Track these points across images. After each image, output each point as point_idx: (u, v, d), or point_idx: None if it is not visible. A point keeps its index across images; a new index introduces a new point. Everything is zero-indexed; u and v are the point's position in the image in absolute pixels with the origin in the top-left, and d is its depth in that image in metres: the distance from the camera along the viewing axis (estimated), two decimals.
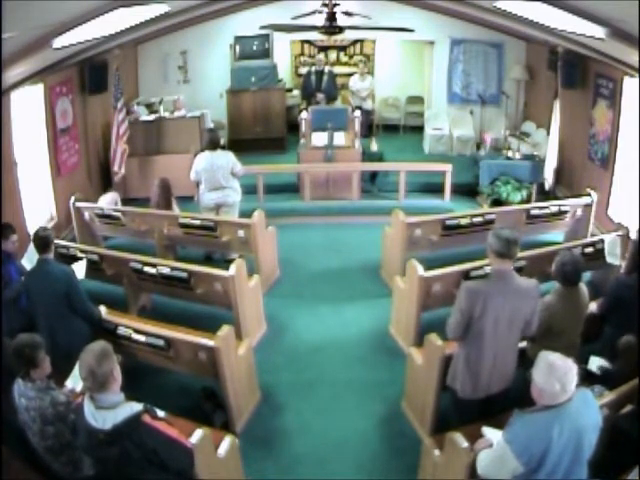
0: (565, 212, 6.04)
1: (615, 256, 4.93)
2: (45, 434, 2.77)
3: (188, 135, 7.98)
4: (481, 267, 4.48)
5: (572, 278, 3.37)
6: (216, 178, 5.83)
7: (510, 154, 7.70)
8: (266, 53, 9.15)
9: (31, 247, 4.04)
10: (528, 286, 3.08)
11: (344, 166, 7.72)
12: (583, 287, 3.47)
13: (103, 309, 4.09)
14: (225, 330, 3.78)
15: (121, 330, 3.96)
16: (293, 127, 9.58)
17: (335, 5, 6.60)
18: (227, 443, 3.20)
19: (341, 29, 6.73)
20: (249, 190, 7.07)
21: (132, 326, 3.97)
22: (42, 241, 3.78)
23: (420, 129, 10.22)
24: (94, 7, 4.17)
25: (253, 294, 4.93)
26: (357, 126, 8.41)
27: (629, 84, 5.93)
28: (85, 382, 2.37)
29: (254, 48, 9.12)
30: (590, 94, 6.82)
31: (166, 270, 4.72)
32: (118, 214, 6.12)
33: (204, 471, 2.87)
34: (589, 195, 6.04)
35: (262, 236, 5.60)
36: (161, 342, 3.85)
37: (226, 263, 4.95)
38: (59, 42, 4.70)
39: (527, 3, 4.79)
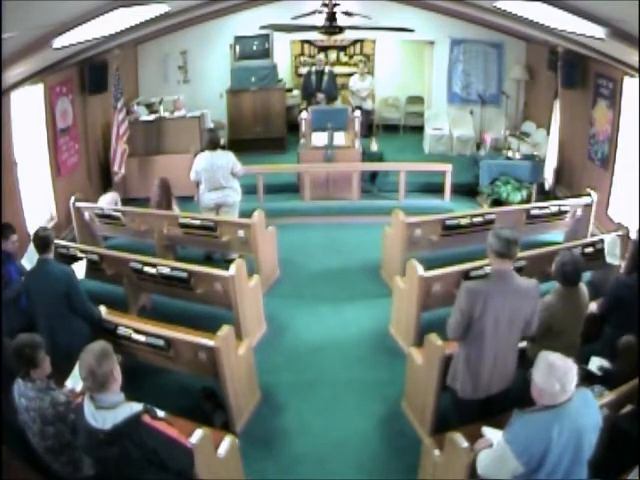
0: (565, 212, 6.04)
1: (615, 256, 4.93)
2: (45, 434, 2.77)
3: (188, 135, 7.98)
4: (481, 267, 4.48)
5: (572, 278, 3.37)
6: (216, 178, 5.83)
7: (510, 154, 7.70)
8: (266, 53, 9.15)
9: (31, 247, 4.04)
10: (528, 286, 3.08)
11: (344, 166, 7.72)
12: (583, 287, 3.47)
13: (103, 309, 4.09)
14: (225, 330, 3.78)
15: (121, 330, 3.96)
16: (293, 127, 9.58)
17: (335, 5, 6.60)
18: (227, 443, 3.20)
19: (341, 29, 6.73)
20: (249, 190, 7.07)
21: (132, 326, 3.97)
22: (42, 241, 3.78)
23: (420, 129, 10.22)
24: (94, 7, 4.17)
25: (253, 294, 4.93)
26: (357, 126, 8.41)
27: (629, 84, 5.93)
28: (85, 382, 2.38)
29: (254, 48, 9.12)
30: (590, 94, 6.82)
31: (166, 270, 4.72)
32: (118, 214, 6.12)
33: (204, 471, 2.87)
34: (589, 195, 6.04)
35: (262, 236, 5.60)
36: (161, 342, 3.85)
37: (226, 263, 4.95)
38: (59, 42, 4.70)
39: (527, 3, 4.79)
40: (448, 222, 5.57)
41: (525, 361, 3.28)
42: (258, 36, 8.92)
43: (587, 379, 3.32)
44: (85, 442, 2.44)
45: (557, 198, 6.99)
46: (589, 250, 5.02)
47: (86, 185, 7.34)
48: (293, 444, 3.89)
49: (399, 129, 10.83)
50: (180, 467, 2.51)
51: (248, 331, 4.74)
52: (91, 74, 7.13)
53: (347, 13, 7.33)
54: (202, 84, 9.60)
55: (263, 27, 7.85)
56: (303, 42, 10.89)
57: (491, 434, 2.79)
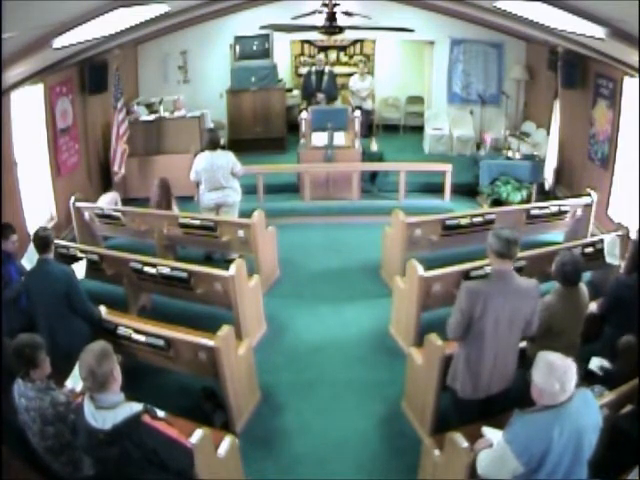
0: (565, 212, 6.04)
1: (614, 256, 4.93)
2: (45, 434, 2.77)
3: (188, 135, 7.98)
4: (481, 267, 4.48)
5: (572, 278, 3.37)
6: (216, 178, 5.83)
7: (510, 154, 7.70)
8: (266, 53, 9.15)
9: (31, 247, 4.04)
10: (528, 286, 3.08)
11: (344, 166, 7.72)
12: (583, 287, 3.47)
13: (103, 309, 4.09)
14: (225, 330, 3.78)
15: (121, 330, 3.96)
16: (293, 127, 9.58)
17: (335, 5, 6.60)
18: (227, 443, 3.20)
19: (341, 29, 6.73)
20: (249, 190, 7.07)
21: (132, 326, 3.97)
22: (42, 241, 3.78)
23: (420, 129, 10.22)
24: (94, 7, 4.17)
25: (253, 294, 4.93)
26: (357, 126, 8.41)
27: (629, 84, 5.93)
28: (85, 382, 2.38)
29: (254, 48, 9.12)
30: (590, 94, 6.82)
31: (166, 270, 4.72)
32: (118, 214, 6.12)
33: (204, 471, 2.87)
34: (589, 195, 6.04)
35: (262, 236, 5.60)
36: (161, 342, 3.85)
37: (226, 263, 4.95)
38: (59, 42, 4.70)
39: (527, 3, 4.79)
40: (448, 222, 5.57)
41: (525, 361, 3.27)
42: (258, 36, 8.92)
43: (587, 379, 3.32)
44: (85, 442, 2.44)
45: (557, 198, 7.00)
46: (589, 250, 5.02)
47: (86, 185, 7.34)
48: (293, 444, 3.89)
49: (399, 129, 10.83)
50: (180, 467, 2.51)
51: (248, 331, 4.74)
52: (91, 74, 7.13)
53: (347, 13, 7.33)
54: (202, 84, 9.60)
55: (263, 27, 7.85)
56: (303, 42, 10.89)
57: (491, 434, 2.79)
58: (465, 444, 2.87)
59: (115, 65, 7.40)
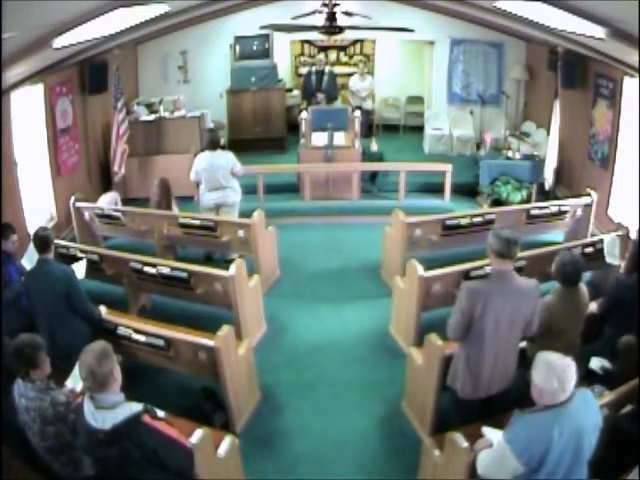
0: (565, 212, 6.04)
1: (614, 256, 4.93)
2: (45, 434, 2.77)
3: (188, 135, 7.98)
4: (481, 267, 4.48)
5: (572, 278, 3.37)
6: (216, 178, 5.83)
7: (510, 154, 7.70)
8: (266, 53, 9.15)
9: (31, 247, 4.04)
10: (528, 286, 3.08)
11: (344, 166, 7.72)
12: (583, 287, 3.47)
13: (103, 309, 4.09)
14: (225, 330, 3.78)
15: (121, 330, 3.96)
16: (293, 127, 9.58)
17: (335, 5, 6.60)
18: (227, 443, 3.20)
19: (341, 29, 6.73)
20: (249, 190, 7.07)
21: (132, 326, 3.96)
22: (42, 241, 3.78)
23: (420, 129, 10.22)
24: (94, 7, 4.17)
25: (253, 294, 4.93)
26: (357, 126, 8.41)
27: (629, 84, 5.93)
28: (85, 382, 2.38)
29: (254, 48, 9.11)
30: (590, 94, 6.82)
31: (166, 270, 4.72)
32: (118, 214, 6.12)
33: (204, 471, 2.87)
34: (589, 195, 6.04)
35: (262, 236, 5.60)
36: (161, 342, 3.84)
37: (226, 263, 4.95)
38: (59, 42, 4.70)
39: (527, 3, 4.79)
40: (448, 222, 5.57)
41: (525, 361, 3.27)
42: (258, 36, 8.91)
43: (587, 379, 3.32)
44: (85, 442, 2.44)
45: (557, 198, 7.00)
46: (589, 250, 5.02)
47: (86, 185, 7.34)
48: (293, 444, 3.89)
49: (399, 129, 10.83)
50: (180, 467, 2.51)
51: (248, 331, 4.74)
52: (91, 74, 7.13)
53: (347, 13, 7.33)
54: (202, 84, 9.60)
55: (263, 27, 7.85)
56: (303, 42, 10.89)
57: (491, 434, 2.79)
58: (465, 444, 2.87)
59: (115, 65, 7.40)
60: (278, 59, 9.58)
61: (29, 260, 4.23)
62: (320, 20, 6.80)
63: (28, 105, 6.04)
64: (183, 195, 6.99)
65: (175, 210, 6.27)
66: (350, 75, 10.04)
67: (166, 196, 6.15)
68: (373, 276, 5.99)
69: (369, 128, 9.71)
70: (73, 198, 6.30)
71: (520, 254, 3.90)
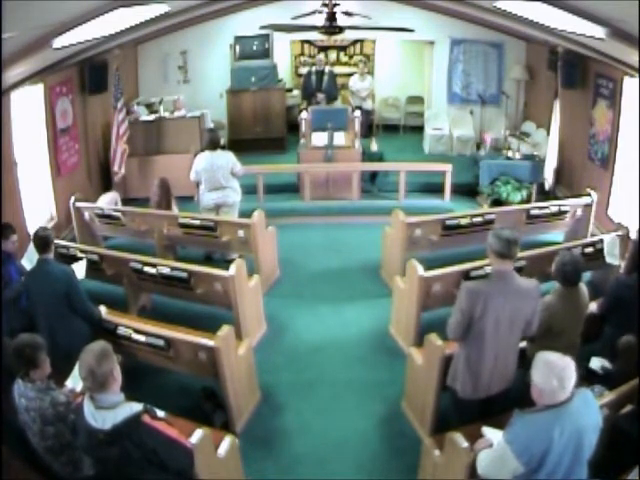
0: (565, 212, 6.04)
1: (614, 256, 4.93)
2: (45, 434, 2.77)
3: (188, 135, 7.98)
4: (481, 267, 4.48)
5: (572, 278, 3.37)
6: (216, 178, 5.83)
7: (510, 154, 7.70)
8: (266, 53, 9.15)
9: (31, 247, 4.04)
10: (529, 286, 3.08)
11: (344, 166, 7.72)
12: (583, 287, 3.47)
13: (103, 309, 4.09)
14: (225, 330, 3.78)
15: (121, 330, 3.96)
16: (293, 127, 9.58)
17: (335, 5, 6.60)
18: (227, 443, 3.20)
19: (341, 29, 6.73)
20: (249, 190, 7.07)
21: (132, 326, 3.96)
22: (42, 241, 3.78)
23: (420, 129, 10.22)
24: (94, 7, 4.17)
25: (253, 294, 4.93)
26: (357, 126, 8.41)
27: (629, 84, 5.93)
28: (85, 382, 2.38)
29: (254, 48, 9.11)
30: (590, 94, 6.82)
31: (166, 270, 4.72)
32: (118, 214, 6.12)
33: (204, 471, 2.87)
34: (589, 195, 6.04)
35: (262, 236, 5.60)
36: (161, 342, 3.84)
37: (226, 263, 4.95)
38: (59, 42, 4.70)
39: (527, 3, 4.79)
40: (448, 222, 5.57)
41: (525, 361, 3.27)
42: (258, 36, 8.91)
43: (587, 379, 3.33)
44: (85, 442, 2.44)
45: (557, 198, 7.00)
46: (589, 250, 5.02)
47: (86, 185, 7.34)
48: (293, 444, 3.89)
49: (399, 129, 10.83)
50: (180, 467, 2.51)
51: (248, 331, 4.74)
52: (91, 74, 7.13)
53: (347, 13, 7.33)
54: (202, 84, 9.60)
55: (263, 27, 7.85)
56: (303, 42, 10.89)
57: (491, 434, 2.79)
58: (465, 444, 2.87)
59: (115, 65, 7.40)
60: (278, 59, 9.58)
61: (29, 260, 4.23)
62: (320, 20, 6.80)
63: (28, 105, 6.04)
64: (183, 195, 6.99)
65: (175, 210, 6.28)
66: (350, 75, 10.04)
67: (166, 196, 6.15)
68: (373, 276, 5.99)
69: (369, 128, 9.71)
70: (73, 198, 6.30)
71: (520, 254, 3.91)
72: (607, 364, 3.55)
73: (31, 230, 4.85)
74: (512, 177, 7.36)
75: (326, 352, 4.84)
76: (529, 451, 2.28)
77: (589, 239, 5.54)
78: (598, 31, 4.49)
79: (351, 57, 11.12)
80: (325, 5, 6.64)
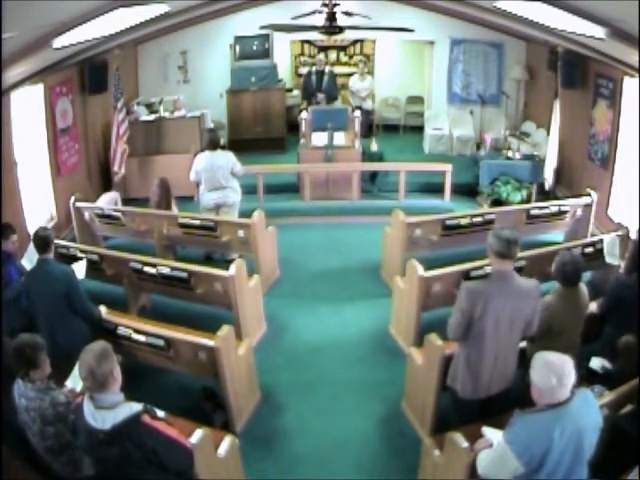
0: (565, 212, 6.04)
1: (614, 256, 4.93)
2: (45, 434, 2.77)
3: (188, 135, 7.98)
4: (481, 267, 4.48)
5: (572, 278, 3.37)
6: (216, 178, 5.83)
7: (510, 154, 7.70)
8: (266, 53, 9.15)
9: (31, 247, 4.04)
10: (529, 286, 3.08)
11: (344, 166, 7.72)
12: (583, 287, 3.47)
13: (103, 309, 4.09)
14: (225, 330, 3.78)
15: (121, 330, 3.96)
16: (293, 127, 9.58)
17: (335, 5, 6.60)
18: (227, 443, 3.20)
19: (341, 29, 6.73)
20: (249, 190, 7.07)
21: (132, 326, 3.96)
22: (42, 241, 3.78)
23: (420, 129, 10.22)
24: (94, 7, 4.17)
25: (253, 294, 4.93)
26: (357, 126, 8.41)
27: (629, 84, 5.93)
28: (85, 382, 2.38)
29: (254, 48, 9.12)
30: (590, 94, 6.82)
31: (166, 270, 4.72)
32: (118, 214, 6.12)
33: (204, 471, 2.87)
34: (589, 195, 6.04)
35: (262, 236, 5.60)
36: (161, 342, 3.84)
37: (226, 263, 4.95)
38: (59, 42, 4.70)
39: (527, 3, 4.79)
40: (448, 222, 5.56)
41: (525, 361, 3.27)
42: (258, 36, 8.92)
43: (587, 379, 3.33)
44: (85, 442, 2.44)
45: (557, 198, 7.00)
46: (589, 250, 5.02)
47: (86, 185, 7.34)
48: (293, 444, 3.89)
49: (399, 129, 10.83)
50: (180, 467, 2.51)
51: (248, 331, 4.74)
52: (91, 74, 7.13)
53: (347, 13, 7.33)
54: (202, 84, 9.60)
55: (263, 27, 7.85)
56: (303, 42, 10.89)
57: (491, 434, 2.79)
58: (465, 444, 2.87)
59: (115, 65, 7.40)
60: (278, 59, 9.58)
61: (29, 260, 4.23)
62: (320, 20, 6.80)
63: (28, 105, 6.04)
64: (183, 195, 6.99)
65: (175, 210, 6.27)
66: (350, 75, 10.04)
67: (166, 196, 6.15)
68: (373, 276, 5.99)
69: (369, 128, 9.71)
70: (73, 198, 6.30)
71: (520, 254, 3.90)
72: (607, 364, 3.55)
73: (31, 230, 4.85)
74: (512, 177, 7.36)
75: (326, 352, 4.84)
76: (529, 451, 2.28)
77: (589, 239, 5.54)
78: (598, 31, 4.48)
79: (351, 57, 11.12)
80: (325, 5, 6.64)
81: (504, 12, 6.00)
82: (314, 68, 9.33)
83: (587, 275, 4.86)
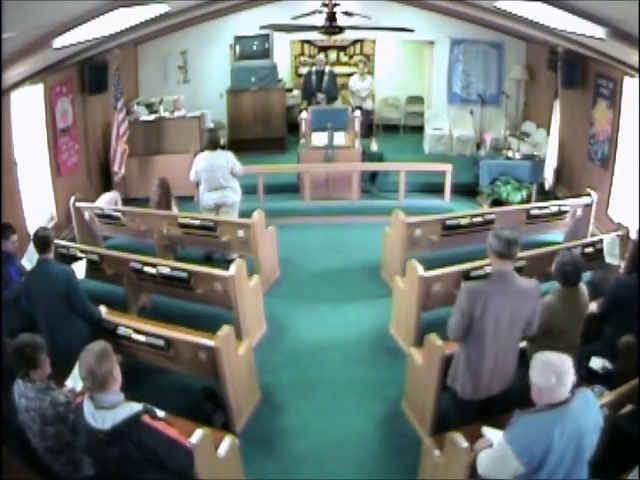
0: (565, 212, 6.04)
1: (614, 256, 4.92)
2: (45, 434, 2.77)
3: (188, 135, 7.98)
4: (481, 267, 4.48)
5: (572, 278, 3.37)
6: (216, 178, 5.83)
7: (510, 154, 7.70)
8: (266, 53, 9.15)
9: (31, 247, 4.04)
10: (529, 286, 3.08)
11: (344, 166, 7.72)
12: (583, 287, 3.47)
13: (103, 309, 4.09)
14: (225, 330, 3.78)
15: (121, 330, 3.96)
16: (293, 127, 9.58)
17: (335, 5, 6.60)
18: (227, 443, 3.20)
19: (341, 29, 6.73)
20: (249, 190, 7.07)
21: (132, 326, 3.97)
22: (42, 241, 3.78)
23: (420, 129, 10.22)
24: (94, 7, 4.17)
25: (253, 294, 4.93)
26: (357, 126, 8.41)
27: (629, 84, 5.93)
28: (85, 382, 2.38)
29: (254, 48, 9.12)
30: (590, 94, 6.83)
31: (166, 270, 4.72)
32: (118, 214, 6.12)
33: (204, 471, 2.87)
34: (589, 195, 6.04)
35: (262, 236, 5.60)
36: (161, 342, 3.84)
37: (226, 263, 4.95)
38: (59, 42, 4.70)
39: (527, 3, 4.79)
40: (448, 222, 5.57)
41: (525, 361, 3.27)
42: (258, 36, 8.92)
43: (588, 379, 3.33)
44: (85, 442, 2.44)
45: (557, 198, 6.99)
46: (589, 250, 5.02)
47: (86, 185, 7.34)
48: (293, 444, 3.89)
49: (399, 129, 10.83)
50: (180, 467, 2.51)
51: (248, 331, 4.74)
52: (91, 74, 7.13)
53: (347, 13, 7.33)
54: (202, 84, 9.60)
55: (263, 27, 7.85)
56: (303, 42, 10.89)
57: (491, 434, 2.79)
58: (465, 444, 2.87)
59: (115, 65, 7.40)
60: (278, 59, 9.58)
61: (29, 260, 4.23)
62: (320, 20, 6.80)
63: (28, 105, 6.04)
64: (183, 195, 6.99)
65: (175, 210, 6.27)
66: (350, 75, 10.04)
67: (166, 196, 6.15)
68: (373, 276, 5.99)
69: (369, 128, 9.71)
70: (73, 198, 6.30)
71: (520, 254, 3.90)
72: (607, 364, 3.55)
73: (31, 230, 4.85)
74: (512, 177, 7.36)
75: (326, 352, 4.84)
76: (530, 451, 2.28)
77: (589, 239, 5.54)
78: (598, 31, 4.48)
79: (351, 57, 11.12)
80: (325, 5, 6.64)
81: (504, 12, 6.00)
82: (314, 68, 9.33)
83: (587, 275, 4.86)
